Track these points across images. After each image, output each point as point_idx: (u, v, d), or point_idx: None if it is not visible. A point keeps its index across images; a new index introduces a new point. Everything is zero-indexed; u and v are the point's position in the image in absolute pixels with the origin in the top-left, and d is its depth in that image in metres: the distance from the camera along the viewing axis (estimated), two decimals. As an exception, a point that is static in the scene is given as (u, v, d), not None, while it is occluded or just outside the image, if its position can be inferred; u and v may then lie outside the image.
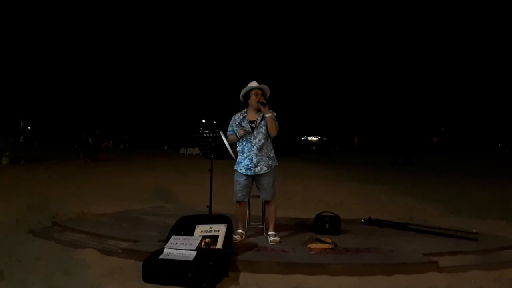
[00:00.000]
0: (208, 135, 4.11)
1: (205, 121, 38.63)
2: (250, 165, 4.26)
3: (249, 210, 4.76)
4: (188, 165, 17.64)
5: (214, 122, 36.14)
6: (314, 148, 39.79)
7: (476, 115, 36.50)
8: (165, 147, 39.78)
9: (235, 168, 4.38)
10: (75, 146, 33.51)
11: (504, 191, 10.49)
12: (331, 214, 4.77)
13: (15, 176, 11.57)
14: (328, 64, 36.71)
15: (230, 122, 4.41)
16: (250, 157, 4.26)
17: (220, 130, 4.11)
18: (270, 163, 4.32)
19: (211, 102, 40.27)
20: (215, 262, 3.34)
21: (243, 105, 4.45)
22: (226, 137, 4.24)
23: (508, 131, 36.49)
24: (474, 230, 4.82)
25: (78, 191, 8.80)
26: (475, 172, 17.63)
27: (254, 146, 4.26)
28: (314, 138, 49.03)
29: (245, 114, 4.39)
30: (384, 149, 32.90)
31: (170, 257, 3.45)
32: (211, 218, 4.00)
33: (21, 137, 18.30)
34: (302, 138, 44.31)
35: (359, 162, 23.66)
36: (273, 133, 4.29)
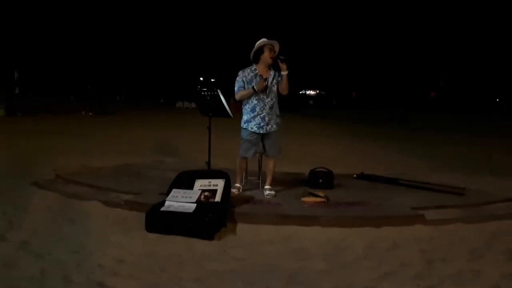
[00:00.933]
0: (206, 93, 4.16)
1: (203, 78, 38.12)
2: (262, 124, 4.32)
3: (261, 165, 4.88)
4: (185, 120, 17.71)
5: (212, 80, 35.68)
6: (311, 102, 39.64)
7: (475, 70, 36.13)
8: (161, 100, 39.53)
9: (243, 126, 4.40)
10: (71, 97, 33.30)
11: (497, 148, 10.72)
12: (325, 170, 4.94)
13: (13, 128, 11.64)
14: (326, 17, 35.72)
15: (238, 78, 4.34)
16: (262, 115, 4.30)
17: (218, 88, 4.15)
18: (278, 121, 4.42)
19: (208, 59, 39.48)
20: (213, 214, 3.52)
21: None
22: (225, 96, 4.25)
23: (506, 86, 36.35)
24: (462, 186, 5.03)
25: (76, 144, 8.93)
26: (471, 128, 17.84)
27: (267, 105, 4.30)
28: (312, 92, 48.69)
29: (256, 70, 4.33)
30: (381, 104, 32.91)
31: (171, 209, 3.63)
32: (210, 173, 4.15)
33: (16, 88, 18.15)
34: (300, 92, 44.00)
35: (356, 118, 23.76)
36: (285, 91, 4.31)
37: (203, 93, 4.20)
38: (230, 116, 4.33)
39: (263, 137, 4.40)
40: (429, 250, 3.24)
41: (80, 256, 2.91)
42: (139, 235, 3.37)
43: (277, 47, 4.33)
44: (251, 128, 4.36)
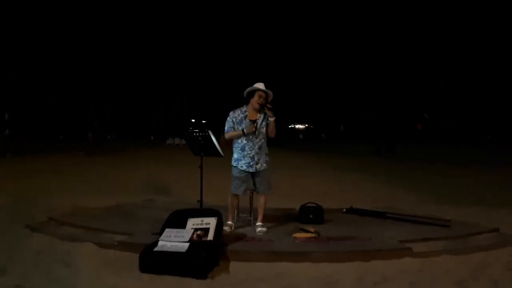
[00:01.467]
0: (198, 134, 4.32)
1: (194, 120, 38.60)
2: (251, 163, 4.51)
3: (252, 202, 4.99)
4: (176, 157, 17.78)
5: (203, 121, 36.15)
6: (301, 136, 40.05)
7: (459, 101, 37.22)
8: (152, 137, 39.65)
9: (233, 164, 4.60)
10: (61, 137, 33.19)
11: (481, 178, 10.98)
12: (315, 205, 5.06)
13: (1, 170, 11.59)
14: (313, 53, 36.84)
15: (228, 118, 4.57)
16: (251, 155, 4.51)
17: (209, 130, 4.33)
18: (267, 159, 4.63)
19: (198, 100, 40.12)
20: (206, 253, 3.59)
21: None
22: (215, 136, 4.44)
23: (489, 116, 37.36)
24: (448, 217, 5.17)
25: (67, 184, 8.93)
26: (456, 159, 18.19)
27: (256, 146, 4.51)
28: (301, 126, 49.34)
29: (246, 112, 4.57)
30: (369, 137, 33.46)
31: (165, 249, 3.69)
32: (202, 212, 4.24)
33: (6, 130, 18.10)
34: (289, 126, 44.56)
35: (345, 151, 24.09)
36: (273, 135, 4.58)
37: (195, 134, 4.36)
38: (221, 156, 4.49)
39: (253, 174, 4.56)
40: (417, 282, 3.33)
41: (74, 299, 2.94)
42: (133, 276, 3.41)
43: (270, 96, 4.57)
44: (241, 166, 4.53)
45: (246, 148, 4.51)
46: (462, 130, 37.41)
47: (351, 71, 36.47)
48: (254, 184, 4.62)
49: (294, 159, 17.61)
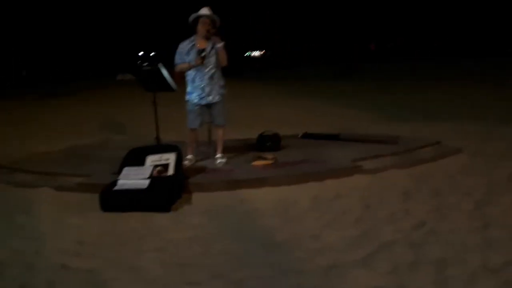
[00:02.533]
0: (147, 68, 4.15)
1: (143, 53, 36.41)
2: (203, 95, 4.37)
3: (210, 135, 5.00)
4: (129, 94, 17.17)
5: (152, 53, 34.19)
6: (258, 66, 39.36)
7: (407, 16, 37.41)
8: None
9: (186, 98, 4.46)
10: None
11: (428, 95, 11.53)
12: (272, 133, 5.18)
13: None
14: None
15: (177, 50, 4.35)
16: (202, 86, 4.34)
17: (159, 63, 4.14)
18: (221, 91, 4.47)
19: (147, 31, 37.61)
20: (168, 187, 3.66)
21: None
22: (168, 69, 4.26)
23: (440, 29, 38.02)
24: (396, 135, 5.49)
25: (15, 130, 8.52)
26: (407, 76, 18.82)
27: (205, 76, 4.32)
28: (257, 53, 48.39)
29: (194, 41, 4.35)
30: (325, 60, 33.62)
31: (125, 187, 3.70)
32: (160, 148, 4.23)
33: None
34: (245, 54, 43.64)
35: (301, 76, 24.18)
36: (224, 63, 4.37)
37: (144, 68, 4.18)
38: (174, 90, 4.37)
39: (207, 107, 4.49)
40: (367, 196, 3.61)
41: (38, 242, 2.96)
42: (95, 216, 3.44)
43: (217, 21, 4.34)
44: (193, 99, 4.44)
45: (196, 79, 4.36)
46: (415, 46, 38.18)
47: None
48: (210, 116, 4.58)
49: (252, 89, 17.54)
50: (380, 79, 18.56)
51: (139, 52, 36.87)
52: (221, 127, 4.63)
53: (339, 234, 2.91)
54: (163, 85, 4.25)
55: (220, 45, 4.27)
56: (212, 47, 4.33)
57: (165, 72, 4.21)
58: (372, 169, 4.20)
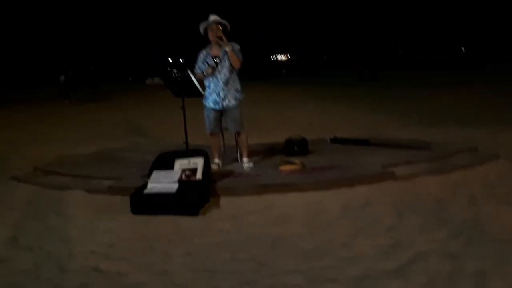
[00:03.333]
0: (177, 74, 4.19)
1: (172, 59, 37.13)
2: (217, 100, 4.38)
3: (223, 140, 5.03)
4: (157, 98, 17.48)
5: (181, 60, 34.81)
6: (284, 71, 39.19)
7: (439, 24, 36.52)
8: (130, 78, 38.61)
9: (204, 103, 4.51)
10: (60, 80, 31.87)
11: (461, 100, 11.17)
12: (299, 137, 5.12)
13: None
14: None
15: (196, 60, 4.45)
16: (217, 91, 4.36)
17: (188, 69, 4.19)
18: (237, 96, 4.44)
19: (176, 39, 38.29)
20: (196, 191, 3.67)
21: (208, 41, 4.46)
22: (194, 75, 4.31)
23: (469, 40, 36.98)
24: (428, 140, 5.32)
25: (47, 133, 8.80)
26: (437, 82, 18.34)
27: (220, 81, 4.34)
28: (283, 57, 48.35)
29: (209, 49, 4.42)
30: (351, 66, 33.19)
31: (154, 190, 3.74)
32: (188, 152, 4.25)
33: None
34: (271, 59, 43.68)
35: (327, 81, 23.99)
36: (236, 66, 4.35)
37: (173, 75, 4.23)
38: (203, 95, 4.40)
39: (223, 112, 4.48)
40: (399, 204, 3.49)
41: (70, 245, 3.02)
42: (125, 219, 3.48)
43: (226, 26, 4.36)
44: (208, 104, 4.45)
45: (212, 84, 4.38)
46: (442, 54, 37.26)
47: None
48: (227, 122, 4.56)
49: (278, 93, 17.53)
50: (407, 85, 18.15)
51: (169, 58, 37.58)
52: (241, 134, 4.60)
53: (371, 242, 2.82)
54: (192, 91, 4.28)
55: (227, 49, 4.25)
56: (224, 53, 4.33)
57: (194, 78, 4.24)
58: (404, 176, 4.07)
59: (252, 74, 23.68)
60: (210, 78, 4.38)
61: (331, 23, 36.04)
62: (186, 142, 4.48)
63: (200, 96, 4.38)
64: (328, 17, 35.44)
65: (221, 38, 4.22)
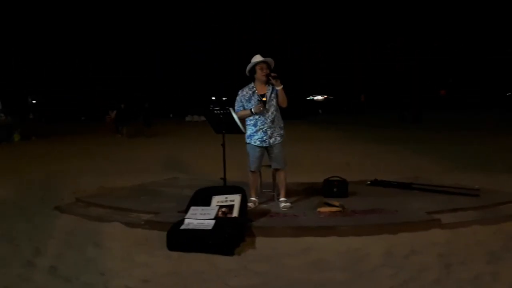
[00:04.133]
0: (218, 111, 4.28)
1: (215, 98, 38.52)
2: (264, 138, 4.45)
3: (261, 178, 5.01)
4: (196, 134, 17.88)
5: (224, 99, 36.01)
6: (320, 111, 39.25)
7: (483, 66, 35.72)
8: (171, 115, 39.92)
9: (247, 141, 4.56)
10: (82, 118, 33.74)
11: (509, 146, 10.63)
12: (339, 178, 5.00)
13: (28, 153, 11.92)
14: (329, 20, 35.62)
15: (238, 98, 4.54)
16: (264, 129, 4.44)
17: (230, 107, 4.27)
18: (282, 133, 4.54)
19: (218, 77, 39.90)
20: (232, 229, 3.61)
21: (248, 80, 4.56)
22: (235, 113, 4.39)
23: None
24: (476, 186, 5.04)
25: (91, 165, 9.12)
26: (482, 126, 17.66)
27: (268, 119, 4.43)
28: (320, 97, 48.62)
29: (254, 88, 4.50)
30: (390, 106, 32.80)
31: (191, 226, 3.72)
32: (226, 189, 4.24)
33: (30, 114, 18.52)
34: (308, 98, 44.03)
35: (366, 122, 23.72)
36: (284, 104, 4.46)
37: (215, 111, 4.32)
38: (243, 132, 4.44)
39: (267, 150, 4.51)
40: (447, 254, 3.27)
41: (107, 277, 3.02)
42: (161, 254, 3.47)
43: (271, 63, 4.47)
44: (254, 142, 4.49)
45: (259, 123, 4.45)
46: (487, 95, 36.20)
47: (368, 35, 35.27)
48: (270, 159, 4.58)
49: (315, 132, 17.48)
50: (452, 127, 17.60)
51: (212, 97, 38.84)
52: (282, 171, 4.58)
53: (417, 295, 2.63)
54: (233, 127, 4.33)
55: (279, 87, 4.36)
56: (272, 91, 4.42)
57: (235, 116, 4.31)
58: (452, 224, 3.84)
59: (288, 113, 23.76)
60: (257, 116, 4.45)
61: (371, 63, 36.15)
62: (224, 178, 4.49)
63: (240, 133, 4.42)
64: (368, 55, 35.64)
65: (275, 77, 4.32)
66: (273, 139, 4.46)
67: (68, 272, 3.13)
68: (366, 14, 32.08)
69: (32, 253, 3.53)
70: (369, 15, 31.93)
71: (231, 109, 4.24)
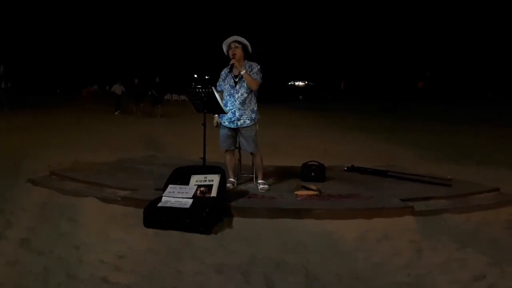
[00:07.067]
0: (200, 90, 4.21)
1: (197, 76, 37.88)
2: (233, 119, 4.41)
3: (240, 159, 5.00)
4: (177, 114, 17.66)
5: (206, 77, 35.47)
6: (301, 97, 39.39)
7: (461, 60, 36.49)
8: (150, 93, 39.21)
9: (220, 120, 4.56)
10: (58, 91, 32.72)
11: (482, 137, 10.98)
12: (317, 163, 5.06)
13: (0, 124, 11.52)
14: (314, 8, 35.47)
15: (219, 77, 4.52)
16: (233, 110, 4.40)
17: (212, 86, 4.22)
18: (253, 116, 4.46)
19: (201, 56, 39.22)
20: (210, 209, 3.61)
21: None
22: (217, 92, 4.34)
23: (491, 75, 36.84)
24: (449, 176, 5.19)
25: (66, 139, 8.91)
26: (458, 117, 18.15)
27: (237, 101, 4.38)
28: (300, 83, 48.72)
29: (230, 68, 4.47)
30: (370, 95, 33.24)
31: (168, 204, 3.70)
32: (205, 169, 4.22)
33: (2, 83, 17.80)
34: (289, 83, 44.07)
35: (345, 109, 23.97)
36: (253, 87, 4.39)
37: (197, 90, 4.25)
38: (225, 113, 4.40)
39: (238, 131, 4.49)
40: (418, 240, 3.37)
41: (81, 252, 2.98)
42: (138, 231, 3.44)
43: (247, 46, 4.39)
44: (224, 122, 4.50)
45: (228, 103, 4.43)
46: (464, 89, 37.11)
47: (352, 28, 35.42)
48: (239, 142, 4.57)
49: (295, 118, 17.55)
50: (428, 118, 18.01)
51: (194, 75, 38.26)
52: (255, 155, 4.57)
53: (388, 278, 2.71)
54: (215, 107, 4.29)
55: (242, 72, 4.30)
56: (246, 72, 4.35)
57: (217, 95, 4.25)
58: (424, 211, 3.95)
59: (269, 97, 23.70)
60: (227, 97, 4.43)
61: (353, 51, 36.36)
62: (204, 159, 4.46)
63: (222, 112, 4.39)
64: (350, 46, 35.80)
65: (233, 63, 4.29)
66: (241, 121, 4.40)
67: (41, 245, 3.07)
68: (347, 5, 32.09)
69: (3, 225, 3.45)
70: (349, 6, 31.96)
71: (213, 87, 4.19)
